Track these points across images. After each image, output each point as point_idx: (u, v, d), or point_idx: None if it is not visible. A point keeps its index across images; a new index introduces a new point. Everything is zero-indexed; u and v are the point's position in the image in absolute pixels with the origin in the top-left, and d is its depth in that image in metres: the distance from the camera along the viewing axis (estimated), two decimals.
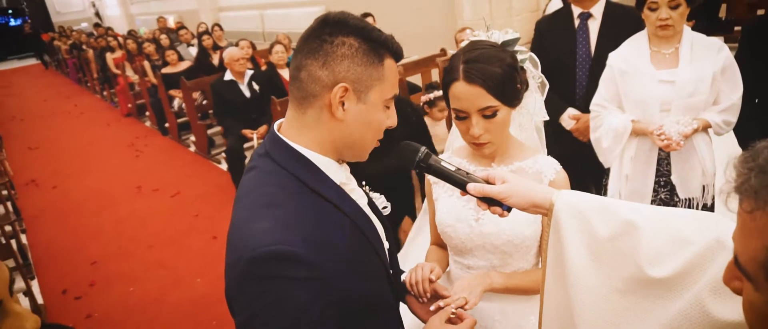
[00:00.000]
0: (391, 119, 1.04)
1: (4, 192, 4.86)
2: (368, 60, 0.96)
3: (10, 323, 0.68)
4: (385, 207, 1.16)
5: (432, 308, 1.16)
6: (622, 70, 2.32)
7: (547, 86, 1.44)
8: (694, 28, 2.33)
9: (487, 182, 1.06)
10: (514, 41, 1.32)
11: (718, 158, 2.41)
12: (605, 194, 2.55)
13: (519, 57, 1.32)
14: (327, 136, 0.99)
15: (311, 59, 0.95)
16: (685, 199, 2.36)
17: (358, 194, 1.07)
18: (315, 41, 0.96)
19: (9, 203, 4.85)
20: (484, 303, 1.38)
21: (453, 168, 1.08)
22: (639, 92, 2.28)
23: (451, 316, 1.13)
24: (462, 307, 1.15)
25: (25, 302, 3.64)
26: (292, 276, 0.86)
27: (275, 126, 1.04)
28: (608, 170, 2.52)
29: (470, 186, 1.05)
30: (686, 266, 0.87)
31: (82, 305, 3.70)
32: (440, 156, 1.14)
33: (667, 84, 2.24)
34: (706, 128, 2.26)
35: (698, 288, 0.85)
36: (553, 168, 1.35)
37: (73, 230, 4.99)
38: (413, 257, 1.93)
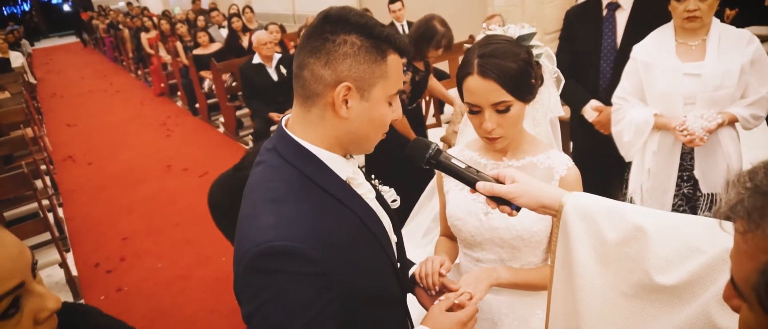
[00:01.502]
0: (396, 113, 1.04)
1: (43, 167, 5.06)
2: (371, 58, 0.96)
3: (32, 303, 0.71)
4: (394, 200, 1.17)
5: (436, 303, 1.17)
6: (646, 62, 2.26)
7: (563, 82, 1.42)
8: (736, 17, 2.24)
9: (497, 180, 1.06)
10: (530, 36, 1.30)
11: (748, 153, 2.33)
12: (627, 188, 2.50)
13: (535, 52, 1.30)
14: (331, 133, 1.00)
15: (314, 58, 0.95)
16: (708, 194, 2.29)
17: (365, 189, 1.08)
18: (317, 39, 0.95)
19: (47, 178, 5.05)
20: (492, 295, 1.39)
21: (463, 166, 1.08)
22: (662, 85, 2.22)
23: (454, 304, 1.14)
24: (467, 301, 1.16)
25: (59, 274, 3.83)
26: (295, 271, 0.87)
27: (283, 121, 1.05)
28: (630, 163, 2.47)
29: (479, 185, 1.05)
30: (694, 275, 0.85)
31: (113, 278, 3.86)
32: (451, 150, 1.14)
33: (693, 77, 2.17)
34: (732, 122, 2.19)
35: (706, 298, 0.84)
36: (565, 164, 1.34)
37: (107, 205, 5.18)
38: (411, 233, 1.95)
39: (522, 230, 1.32)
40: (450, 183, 1.45)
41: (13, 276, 0.68)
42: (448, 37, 3.05)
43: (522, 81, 1.23)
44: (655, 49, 2.25)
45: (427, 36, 3.05)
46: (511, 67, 1.21)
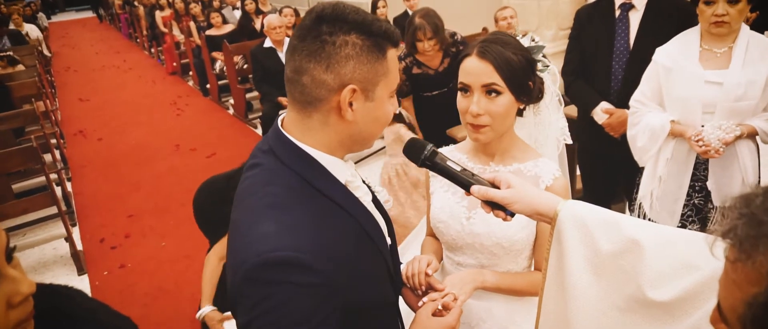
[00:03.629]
0: (394, 106, 1.01)
1: (54, 141, 5.11)
2: (373, 57, 0.92)
3: (5, 287, 0.70)
4: (387, 201, 1.16)
5: (420, 304, 1.17)
6: (667, 67, 2.19)
7: (563, 105, 1.42)
8: (756, 21, 2.15)
9: (492, 184, 1.04)
10: (539, 49, 1.31)
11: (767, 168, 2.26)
12: (637, 192, 2.47)
13: (540, 66, 1.31)
14: (334, 137, 0.97)
15: (313, 62, 0.90)
16: (720, 207, 2.24)
17: (362, 191, 1.06)
18: (314, 42, 0.90)
19: (57, 152, 5.11)
20: (473, 300, 1.38)
21: (458, 168, 1.07)
22: (681, 91, 2.15)
23: (438, 309, 1.13)
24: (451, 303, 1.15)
25: (65, 248, 3.88)
26: (296, 282, 0.84)
27: (279, 122, 1.01)
28: (642, 168, 2.43)
29: (474, 189, 1.04)
30: (689, 292, 0.84)
31: (117, 254, 3.91)
32: (445, 150, 1.12)
33: (714, 85, 2.09)
34: (751, 134, 2.12)
35: (699, 316, 0.82)
36: (552, 174, 1.32)
37: (115, 181, 5.23)
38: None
39: (502, 238, 1.31)
40: (436, 185, 1.44)
41: None
42: (429, 26, 3.09)
43: (518, 74, 1.23)
44: (678, 54, 2.17)
45: (410, 30, 3.16)
46: (510, 57, 1.22)
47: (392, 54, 0.97)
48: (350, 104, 0.93)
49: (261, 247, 0.85)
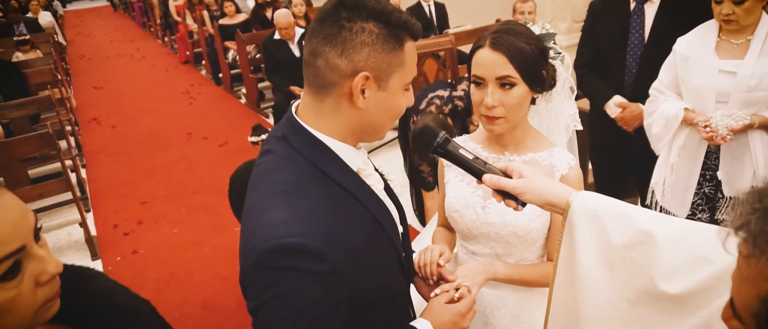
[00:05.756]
0: (409, 100, 1.01)
1: (68, 128, 5.18)
2: (389, 46, 0.92)
3: (33, 266, 0.72)
4: (390, 179, 1.16)
5: (432, 294, 1.17)
6: (684, 56, 2.20)
7: (575, 93, 1.41)
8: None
9: (505, 173, 1.04)
10: (550, 37, 1.30)
11: None
12: (649, 181, 2.46)
13: (551, 54, 1.30)
14: (345, 123, 0.97)
15: (329, 46, 0.91)
16: (730, 197, 2.23)
17: (374, 179, 1.06)
18: (332, 27, 0.91)
19: (72, 139, 5.17)
20: (485, 288, 1.39)
21: (471, 157, 1.06)
22: (696, 80, 2.17)
23: (454, 298, 1.14)
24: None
25: (79, 233, 3.94)
26: (306, 268, 0.85)
27: (293, 108, 1.02)
28: (650, 159, 2.42)
29: (486, 178, 1.03)
30: (701, 285, 0.83)
31: (130, 240, 3.96)
32: (458, 139, 1.12)
33: (728, 75, 2.10)
34: (764, 125, 2.11)
35: (711, 310, 0.81)
36: (567, 163, 1.31)
37: (128, 169, 5.30)
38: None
39: (518, 227, 1.31)
40: (450, 174, 1.44)
41: (14, 240, 0.69)
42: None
43: (531, 63, 1.22)
44: (696, 43, 2.19)
45: None
46: (523, 47, 1.21)
47: (410, 46, 0.97)
48: (362, 92, 0.93)
49: (272, 233, 0.86)
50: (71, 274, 0.86)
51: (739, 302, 0.58)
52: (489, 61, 1.22)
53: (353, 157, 1.00)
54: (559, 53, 1.31)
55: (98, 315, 0.86)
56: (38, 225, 0.76)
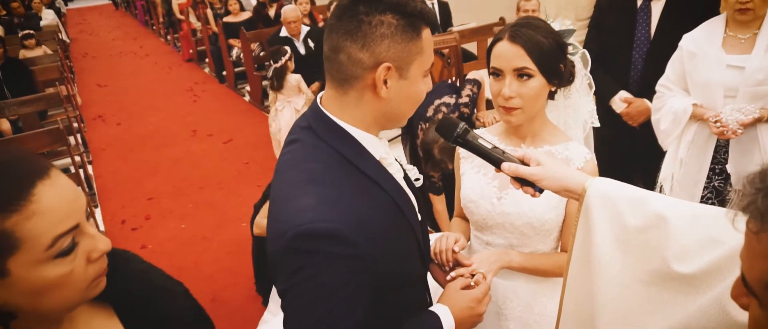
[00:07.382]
0: (428, 85, 1.05)
1: (75, 125, 5.21)
2: (407, 36, 0.96)
3: (86, 243, 0.77)
4: (417, 179, 1.20)
5: (448, 278, 1.21)
6: (691, 51, 2.23)
7: (594, 88, 1.44)
8: None
9: (523, 162, 1.08)
10: (569, 33, 1.33)
11: None
12: (654, 176, 2.49)
13: (570, 50, 1.33)
14: (369, 113, 1.01)
15: (349, 41, 0.95)
16: (739, 190, 2.26)
17: (394, 169, 1.10)
18: (351, 21, 0.94)
19: (79, 136, 5.21)
20: (499, 279, 1.42)
21: (489, 146, 1.10)
22: (703, 76, 2.20)
23: (470, 285, 1.17)
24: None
25: None
26: (334, 252, 0.89)
27: (318, 99, 1.05)
28: (662, 155, 2.45)
29: (504, 166, 1.07)
30: (713, 265, 0.87)
31: (138, 236, 4.00)
32: (477, 131, 1.16)
33: (735, 70, 2.13)
34: None
35: (721, 288, 0.85)
36: (583, 157, 1.35)
37: (134, 165, 5.33)
38: None
39: (533, 218, 1.33)
40: (466, 166, 1.47)
41: (70, 217, 0.74)
42: None
43: (549, 56, 1.25)
44: (703, 39, 2.22)
45: None
46: (541, 40, 1.24)
47: (427, 34, 1.00)
48: (385, 82, 0.97)
49: (301, 219, 0.90)
50: (111, 255, 0.90)
51: (751, 277, 0.62)
52: (507, 53, 1.25)
53: (376, 146, 1.04)
54: (579, 50, 1.34)
55: (136, 295, 0.90)
56: (88, 205, 0.80)
